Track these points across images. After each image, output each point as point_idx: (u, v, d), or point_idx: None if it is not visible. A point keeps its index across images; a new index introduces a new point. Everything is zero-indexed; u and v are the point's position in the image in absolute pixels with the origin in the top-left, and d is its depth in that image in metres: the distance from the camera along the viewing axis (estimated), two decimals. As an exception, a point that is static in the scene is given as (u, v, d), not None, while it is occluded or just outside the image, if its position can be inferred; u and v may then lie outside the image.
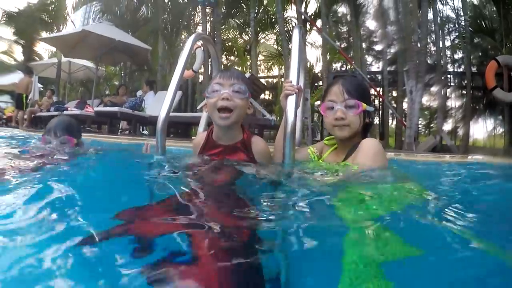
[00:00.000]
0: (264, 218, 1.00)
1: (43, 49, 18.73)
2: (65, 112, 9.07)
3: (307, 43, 12.48)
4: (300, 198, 1.21)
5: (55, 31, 14.28)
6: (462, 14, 11.42)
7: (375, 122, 9.62)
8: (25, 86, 10.74)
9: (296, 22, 9.96)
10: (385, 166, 1.62)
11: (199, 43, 6.79)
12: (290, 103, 1.84)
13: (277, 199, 1.28)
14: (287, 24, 11.35)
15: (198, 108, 2.77)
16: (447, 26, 14.21)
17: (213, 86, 1.77)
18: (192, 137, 8.04)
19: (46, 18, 15.03)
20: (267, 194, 1.36)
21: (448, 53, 15.93)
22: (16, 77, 12.96)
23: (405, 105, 9.15)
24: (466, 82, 10.43)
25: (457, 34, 13.41)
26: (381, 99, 9.50)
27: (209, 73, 9.92)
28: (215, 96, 1.74)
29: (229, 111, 1.73)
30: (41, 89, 14.35)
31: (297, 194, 1.29)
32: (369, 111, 1.76)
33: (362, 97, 1.73)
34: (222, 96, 1.72)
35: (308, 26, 11.45)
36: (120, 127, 9.62)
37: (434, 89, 11.18)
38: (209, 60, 9.49)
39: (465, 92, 11.20)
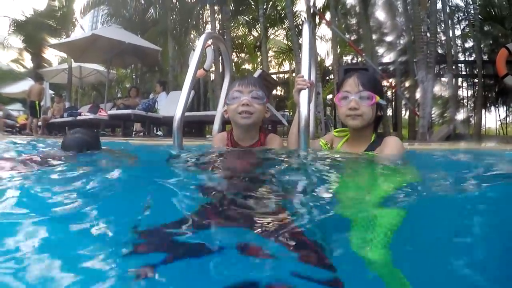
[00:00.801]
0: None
1: (53, 55, 18.97)
2: (78, 118, 9.17)
3: (316, 37, 12.43)
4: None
5: (64, 37, 14.43)
6: (471, 2, 11.29)
7: (388, 114, 9.59)
8: (38, 93, 10.79)
9: (306, 16, 9.90)
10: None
11: (209, 42, 6.83)
12: (303, 98, 1.93)
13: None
14: (296, 19, 11.29)
15: (219, 114, 2.87)
16: (456, 15, 14.09)
17: (233, 93, 1.92)
18: (207, 136, 8.08)
19: (55, 24, 15.18)
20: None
21: (459, 42, 15.82)
22: (26, 85, 13.05)
23: (417, 96, 9.10)
24: (477, 70, 10.32)
25: (467, 22, 13.25)
26: (393, 90, 9.45)
27: (220, 71, 9.94)
28: (236, 103, 1.90)
29: (250, 114, 1.88)
30: (53, 95, 14.51)
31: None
32: (381, 104, 1.81)
33: (376, 90, 1.79)
34: (242, 102, 1.87)
35: (317, 20, 11.41)
36: (134, 129, 9.69)
37: (445, 78, 11.09)
38: (220, 58, 9.53)
39: (476, 81, 11.08)
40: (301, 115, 1.86)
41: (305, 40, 2.22)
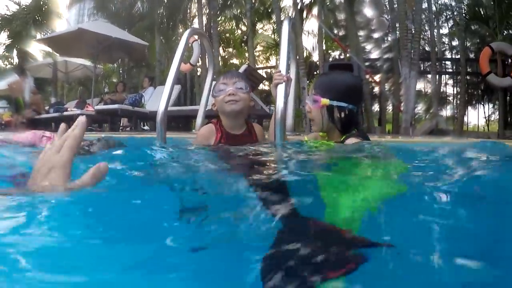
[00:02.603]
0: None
1: (38, 50, 18.68)
2: (65, 113, 9.08)
3: (304, 32, 12.47)
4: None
5: (49, 32, 14.23)
6: (458, 1, 11.51)
7: (375, 109, 9.71)
8: (18, 89, 10.52)
9: (292, 11, 9.95)
10: None
11: (195, 37, 6.86)
12: (280, 92, 2.01)
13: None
14: (284, 13, 11.33)
15: (207, 109, 2.96)
16: (445, 13, 14.31)
17: (219, 86, 2.07)
18: (193, 130, 8.09)
19: (40, 19, 14.96)
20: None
21: (446, 40, 16.08)
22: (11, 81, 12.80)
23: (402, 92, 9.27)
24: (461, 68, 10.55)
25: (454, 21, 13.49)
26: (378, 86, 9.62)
27: (207, 65, 9.94)
28: (222, 94, 2.03)
29: (236, 101, 2.01)
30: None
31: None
32: (341, 107, 1.79)
33: (330, 93, 1.80)
34: (228, 93, 2.00)
35: (304, 15, 11.46)
36: (121, 124, 9.65)
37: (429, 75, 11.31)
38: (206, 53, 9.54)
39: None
40: (277, 108, 1.96)
41: (284, 36, 2.31)
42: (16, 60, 17.98)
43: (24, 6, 15.20)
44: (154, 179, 1.35)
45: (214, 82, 2.54)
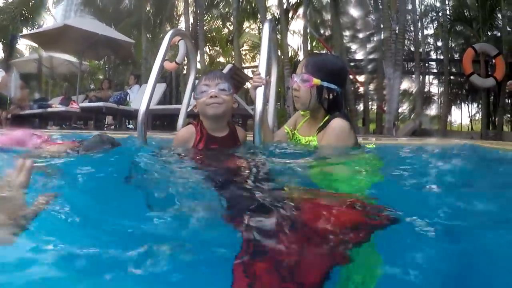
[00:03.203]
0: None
1: (24, 45, 18.41)
2: (49, 110, 9.00)
3: (290, 31, 12.50)
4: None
5: (36, 27, 14.06)
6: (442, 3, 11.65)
7: (359, 109, 9.84)
8: (3, 85, 10.41)
9: (278, 11, 9.99)
10: (349, 145, 1.81)
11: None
12: (259, 94, 2.03)
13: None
14: (270, 13, 11.35)
15: (188, 110, 3.02)
16: (429, 14, 14.48)
17: (201, 87, 1.99)
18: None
19: (26, 14, 14.76)
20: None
21: (431, 40, 16.29)
22: (-1, 77, 12.60)
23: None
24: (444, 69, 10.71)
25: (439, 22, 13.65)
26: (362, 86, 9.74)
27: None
28: (204, 96, 1.96)
29: (218, 104, 1.95)
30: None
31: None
32: (330, 88, 1.85)
33: (320, 73, 1.85)
34: (210, 95, 1.93)
35: (290, 15, 11.51)
36: (106, 122, 9.61)
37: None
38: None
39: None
40: (255, 110, 1.99)
41: (264, 38, 2.32)
42: (1, 55, 17.73)
43: (11, 0, 14.96)
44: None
45: (197, 81, 2.58)
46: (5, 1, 15.11)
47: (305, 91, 1.86)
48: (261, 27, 11.70)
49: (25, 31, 13.97)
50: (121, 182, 1.43)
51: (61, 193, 1.04)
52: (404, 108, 18.28)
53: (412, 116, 15.15)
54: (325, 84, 1.84)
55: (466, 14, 12.04)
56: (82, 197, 1.21)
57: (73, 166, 1.70)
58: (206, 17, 12.37)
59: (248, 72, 11.54)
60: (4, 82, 10.40)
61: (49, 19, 15.25)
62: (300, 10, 10.79)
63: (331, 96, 1.87)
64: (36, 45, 12.19)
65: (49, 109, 8.95)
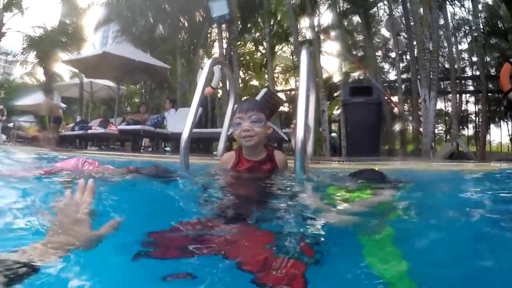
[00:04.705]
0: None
1: (64, 70, 19.38)
2: (89, 131, 9.41)
3: (324, 53, 12.51)
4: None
5: (75, 53, 14.80)
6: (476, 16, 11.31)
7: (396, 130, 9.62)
8: (46, 108, 10.90)
9: (310, 34, 10.04)
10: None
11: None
12: (299, 125, 2.19)
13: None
14: (302, 36, 11.41)
15: (228, 133, 3.22)
16: (463, 28, 14.10)
17: (236, 120, 2.18)
18: (214, 152, 8.23)
19: (66, 40, 15.56)
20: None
21: (466, 56, 15.78)
22: (38, 98, 13.23)
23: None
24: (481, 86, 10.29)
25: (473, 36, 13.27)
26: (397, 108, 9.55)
27: (227, 88, 10.14)
28: (238, 129, 2.15)
29: (251, 137, 2.13)
30: (64, 108, 14.77)
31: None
32: None
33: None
34: (243, 129, 2.12)
35: (321, 37, 11.55)
36: (143, 144, 9.88)
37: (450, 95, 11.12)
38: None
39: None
40: (297, 139, 2.15)
41: (302, 66, 2.41)
42: (42, 78, 18.72)
43: (50, 29, 15.86)
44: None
45: (236, 106, 2.74)
46: (46, 29, 16.03)
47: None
48: (293, 49, 11.84)
49: (64, 56, 14.70)
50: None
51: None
52: (440, 129, 17.73)
53: (448, 138, 14.66)
54: None
55: (499, 26, 11.69)
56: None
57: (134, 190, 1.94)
58: (239, 42, 12.60)
59: (282, 95, 11.66)
60: (47, 106, 10.93)
61: (88, 46, 15.97)
62: (332, 32, 10.83)
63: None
64: (76, 70, 12.79)
65: (89, 131, 9.36)
